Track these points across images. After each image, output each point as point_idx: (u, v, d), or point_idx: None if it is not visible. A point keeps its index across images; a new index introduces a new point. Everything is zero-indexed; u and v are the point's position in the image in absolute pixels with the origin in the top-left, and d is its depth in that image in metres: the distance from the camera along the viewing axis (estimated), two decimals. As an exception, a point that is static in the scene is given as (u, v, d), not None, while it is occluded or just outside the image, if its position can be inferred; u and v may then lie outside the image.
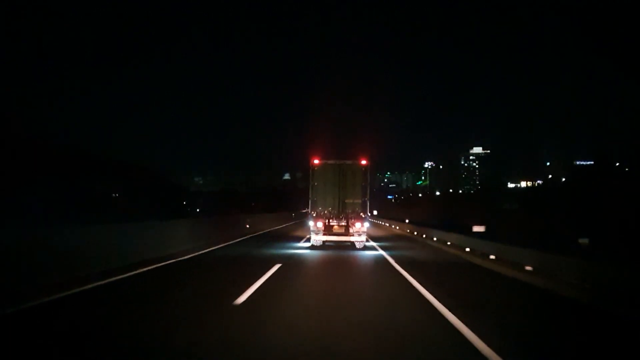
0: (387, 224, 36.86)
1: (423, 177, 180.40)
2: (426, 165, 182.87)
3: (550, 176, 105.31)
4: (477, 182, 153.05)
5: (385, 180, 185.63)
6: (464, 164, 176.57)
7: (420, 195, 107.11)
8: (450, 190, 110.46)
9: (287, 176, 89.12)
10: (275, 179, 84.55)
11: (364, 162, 16.32)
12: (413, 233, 25.33)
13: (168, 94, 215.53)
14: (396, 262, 12.82)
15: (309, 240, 17.04)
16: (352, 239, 16.26)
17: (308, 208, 17.09)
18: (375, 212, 58.56)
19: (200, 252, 13.98)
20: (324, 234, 16.32)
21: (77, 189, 23.25)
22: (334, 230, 16.28)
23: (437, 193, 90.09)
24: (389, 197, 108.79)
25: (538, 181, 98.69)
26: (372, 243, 19.20)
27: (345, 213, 16.30)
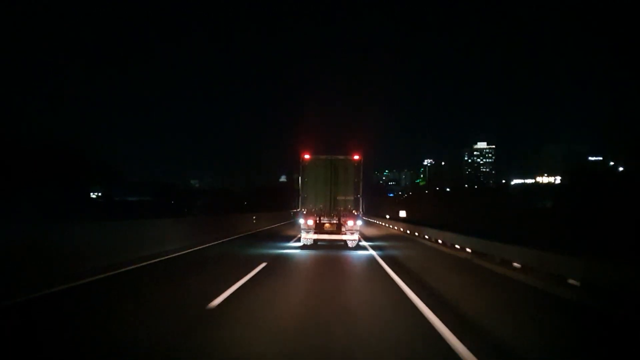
0: (395, 227, 33.55)
1: (422, 175, 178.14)
2: (425, 163, 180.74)
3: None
4: (482, 178, 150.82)
5: (384, 178, 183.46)
6: (467, 160, 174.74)
7: (426, 191, 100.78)
8: (466, 186, 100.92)
9: (283, 178, 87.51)
10: (273, 179, 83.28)
11: (356, 157, 15.49)
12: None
13: (166, 95, 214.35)
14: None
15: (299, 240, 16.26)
16: (344, 237, 15.57)
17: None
18: (403, 214, 43.46)
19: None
20: (315, 232, 15.56)
21: (53, 189, 21.94)
22: (325, 229, 15.54)
23: (448, 189, 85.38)
24: (390, 195, 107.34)
25: (557, 177, 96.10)
26: (364, 243, 17.96)
27: (337, 210, 15.53)
